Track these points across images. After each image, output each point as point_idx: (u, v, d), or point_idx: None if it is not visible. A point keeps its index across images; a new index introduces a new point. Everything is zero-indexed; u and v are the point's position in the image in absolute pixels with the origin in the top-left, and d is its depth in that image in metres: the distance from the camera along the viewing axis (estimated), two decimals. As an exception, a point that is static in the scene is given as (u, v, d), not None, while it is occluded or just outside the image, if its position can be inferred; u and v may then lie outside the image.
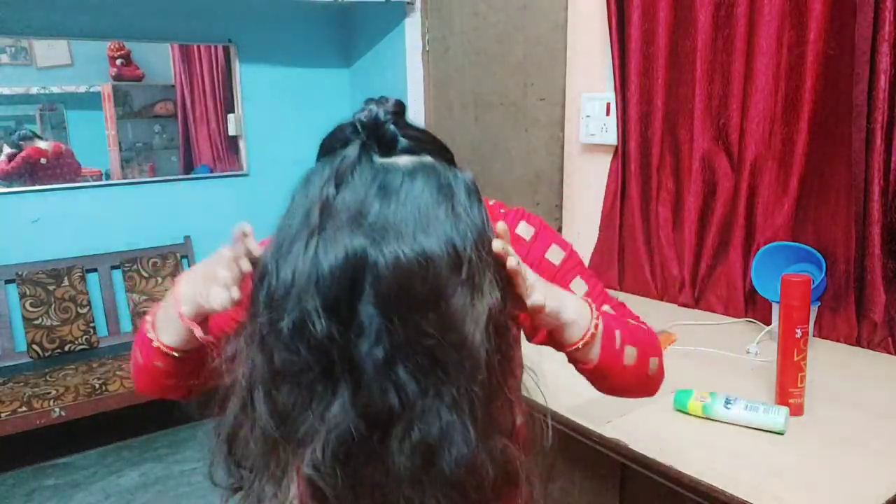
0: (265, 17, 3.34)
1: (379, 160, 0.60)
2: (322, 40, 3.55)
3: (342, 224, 0.55)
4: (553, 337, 0.73)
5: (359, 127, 0.62)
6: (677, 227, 1.96)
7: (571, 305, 0.71)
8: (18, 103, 2.98)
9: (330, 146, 0.63)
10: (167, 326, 0.71)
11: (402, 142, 0.61)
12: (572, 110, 2.29)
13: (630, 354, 0.77)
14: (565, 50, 2.28)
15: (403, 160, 0.60)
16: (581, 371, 0.78)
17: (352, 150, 0.60)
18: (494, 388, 0.60)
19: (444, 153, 0.66)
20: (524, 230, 0.83)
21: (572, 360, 0.76)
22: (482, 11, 2.59)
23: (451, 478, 0.56)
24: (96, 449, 3.02)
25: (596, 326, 0.72)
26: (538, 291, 0.65)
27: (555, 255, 0.84)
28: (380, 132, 0.61)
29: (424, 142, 0.64)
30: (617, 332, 0.76)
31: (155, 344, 0.72)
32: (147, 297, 3.14)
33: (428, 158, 0.62)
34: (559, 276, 0.82)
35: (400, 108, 0.64)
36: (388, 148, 0.61)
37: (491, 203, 0.81)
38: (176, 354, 0.72)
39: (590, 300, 0.75)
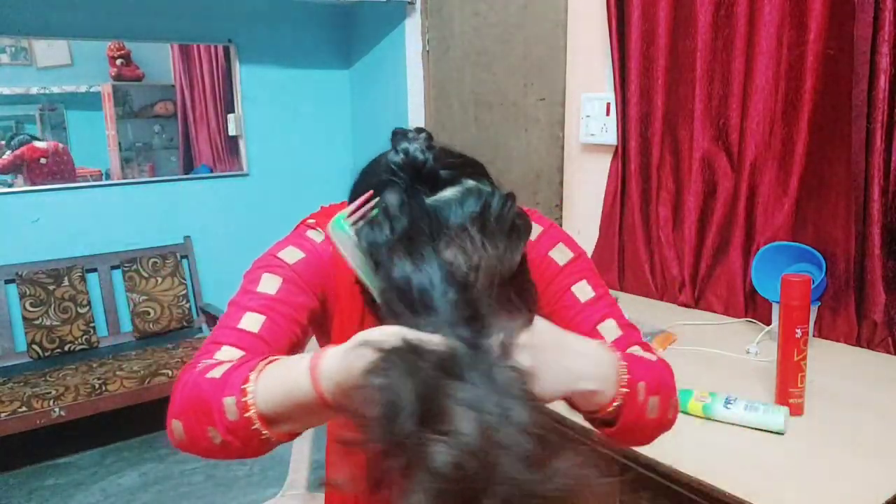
0: (265, 17, 3.34)
1: (427, 200, 0.58)
2: (322, 40, 3.55)
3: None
4: (568, 400, 0.62)
5: (397, 169, 0.60)
6: (677, 227, 1.96)
7: (589, 372, 0.59)
8: (18, 103, 2.98)
9: (366, 187, 0.61)
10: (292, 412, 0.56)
11: (443, 174, 0.60)
12: (572, 110, 2.29)
13: (653, 406, 0.68)
14: (565, 50, 2.28)
15: (448, 192, 0.59)
16: (602, 433, 0.68)
17: (394, 197, 0.58)
18: None
19: (477, 167, 0.65)
20: (534, 229, 0.79)
21: (591, 423, 0.67)
22: (482, 11, 2.59)
23: None
24: (96, 449, 3.02)
25: (625, 392, 0.62)
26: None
27: (560, 254, 0.79)
28: (421, 172, 0.59)
29: (461, 165, 0.62)
30: (640, 385, 0.65)
31: (259, 430, 0.57)
32: (147, 297, 3.14)
33: (470, 183, 0.61)
34: (561, 277, 0.77)
35: (429, 137, 0.62)
36: (433, 185, 0.59)
37: None
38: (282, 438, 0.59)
39: (616, 355, 0.64)
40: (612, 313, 0.78)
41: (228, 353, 0.70)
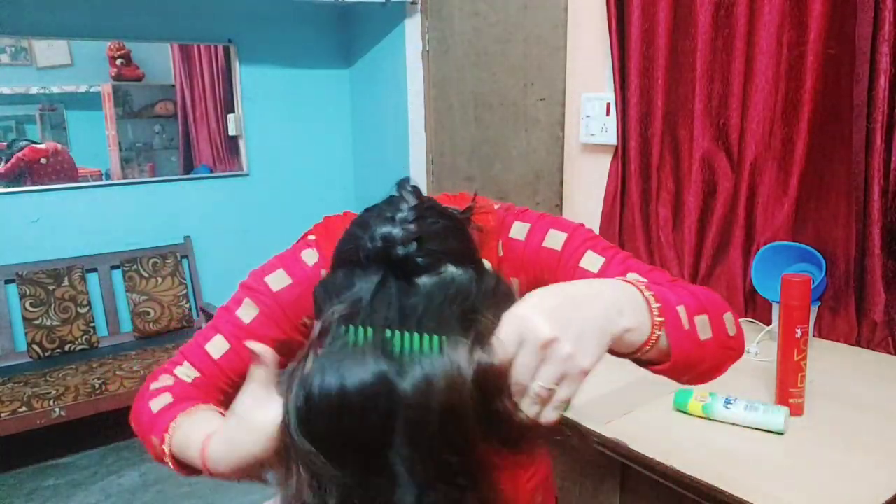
0: (265, 17, 3.34)
1: (396, 289, 0.54)
2: (322, 40, 3.55)
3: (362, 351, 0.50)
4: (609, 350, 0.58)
5: (374, 254, 0.56)
6: (677, 227, 1.96)
7: (613, 311, 0.55)
8: (18, 103, 2.99)
9: (345, 260, 0.59)
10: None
11: (422, 262, 0.55)
12: (572, 110, 2.29)
13: (703, 326, 0.61)
14: (565, 50, 2.28)
15: (423, 281, 0.55)
16: (656, 373, 0.63)
17: (367, 285, 0.55)
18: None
19: (464, 247, 0.60)
20: (518, 230, 0.76)
21: (640, 364, 0.63)
22: (482, 11, 2.59)
23: None
24: (96, 449, 3.02)
25: (661, 321, 0.57)
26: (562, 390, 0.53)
27: (554, 240, 0.74)
28: (398, 260, 0.55)
29: (445, 252, 0.57)
30: (680, 309, 0.59)
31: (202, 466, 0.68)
32: (147, 297, 3.14)
33: (449, 272, 0.56)
34: (564, 261, 0.73)
35: (419, 213, 0.57)
36: (409, 274, 0.55)
37: (488, 203, 0.77)
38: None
39: (636, 280, 0.60)
40: (630, 266, 0.71)
41: (185, 372, 0.77)
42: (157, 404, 0.73)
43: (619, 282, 0.59)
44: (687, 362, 0.61)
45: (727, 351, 0.65)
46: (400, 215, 0.56)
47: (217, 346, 0.77)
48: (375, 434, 0.49)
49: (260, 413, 0.59)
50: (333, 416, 0.48)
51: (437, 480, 0.49)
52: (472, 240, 0.62)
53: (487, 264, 0.61)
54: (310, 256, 0.78)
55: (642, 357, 0.59)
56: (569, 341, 0.51)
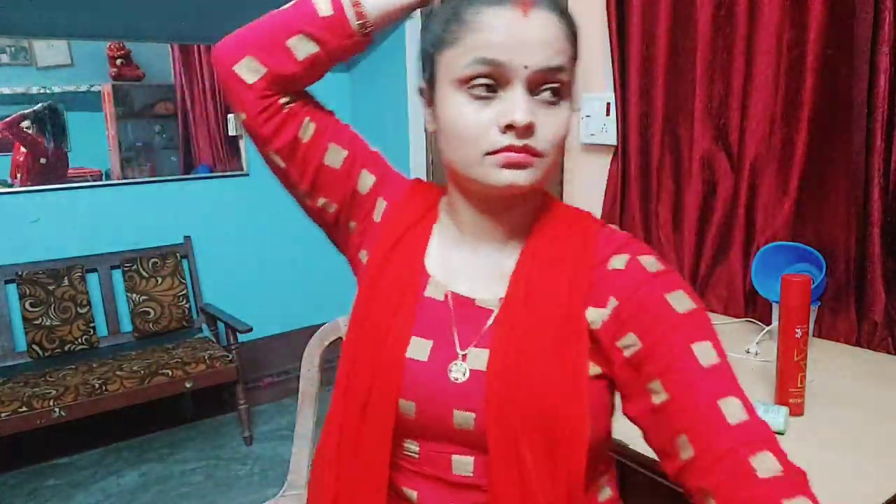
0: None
1: None
2: (322, 40, 3.55)
3: None
4: None
5: None
6: (677, 227, 1.96)
7: None
8: (18, 103, 2.99)
9: None
10: None
11: None
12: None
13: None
14: (565, 50, 2.28)
15: None
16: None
17: None
18: None
19: None
20: (651, 264, 0.68)
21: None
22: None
23: None
24: (96, 449, 3.02)
25: None
26: None
27: (680, 301, 0.65)
28: None
29: None
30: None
31: (350, 2, 0.69)
32: (147, 297, 3.14)
33: None
34: (682, 330, 0.63)
35: None
36: None
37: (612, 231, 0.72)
38: (355, 15, 0.69)
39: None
40: (735, 390, 0.62)
41: None
42: (284, 6, 0.73)
43: None
44: None
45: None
46: None
47: None
48: None
49: None
50: None
51: None
52: None
53: None
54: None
55: None
56: None
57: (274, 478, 2.72)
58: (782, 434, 1.13)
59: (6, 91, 2.95)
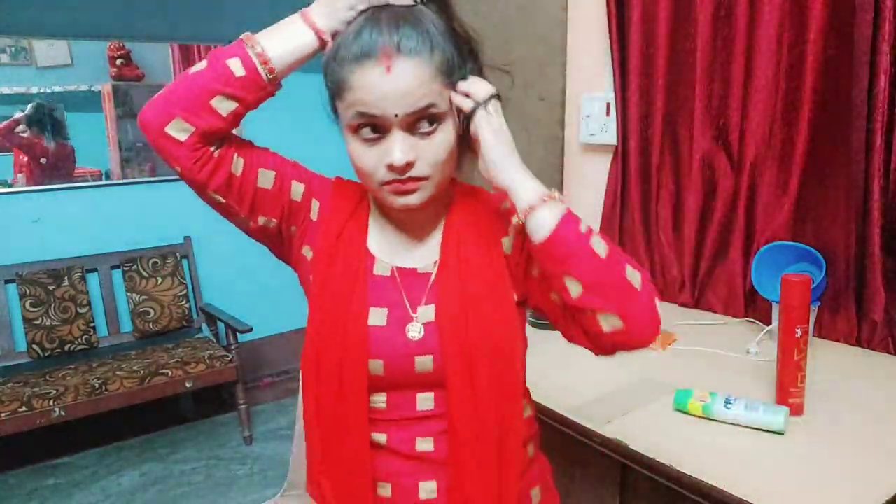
0: (265, 17, 3.33)
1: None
2: (322, 40, 3.55)
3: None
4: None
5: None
6: (677, 227, 1.96)
7: (526, 176, 0.77)
8: (18, 103, 2.99)
9: None
10: (282, 39, 0.80)
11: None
12: (572, 110, 2.29)
13: (599, 244, 0.75)
14: (565, 50, 2.28)
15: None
16: (537, 252, 0.77)
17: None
18: None
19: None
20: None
21: (529, 235, 0.77)
22: (482, 11, 2.59)
23: None
24: (96, 449, 3.02)
25: (550, 196, 0.75)
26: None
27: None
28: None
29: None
30: (585, 224, 0.76)
31: (253, 50, 0.78)
32: (147, 297, 3.14)
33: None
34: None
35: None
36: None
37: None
38: (266, 72, 0.78)
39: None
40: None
41: None
42: (200, 65, 0.80)
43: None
44: (564, 250, 0.74)
45: (615, 280, 0.75)
46: None
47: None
48: None
49: None
50: None
51: None
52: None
53: None
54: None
55: (528, 219, 0.75)
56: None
57: (274, 478, 2.72)
58: (782, 434, 1.13)
59: (6, 91, 2.95)
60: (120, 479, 2.78)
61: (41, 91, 3.02)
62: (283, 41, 0.80)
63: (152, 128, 0.77)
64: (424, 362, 0.81)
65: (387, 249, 0.86)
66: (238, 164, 0.82)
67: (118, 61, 3.18)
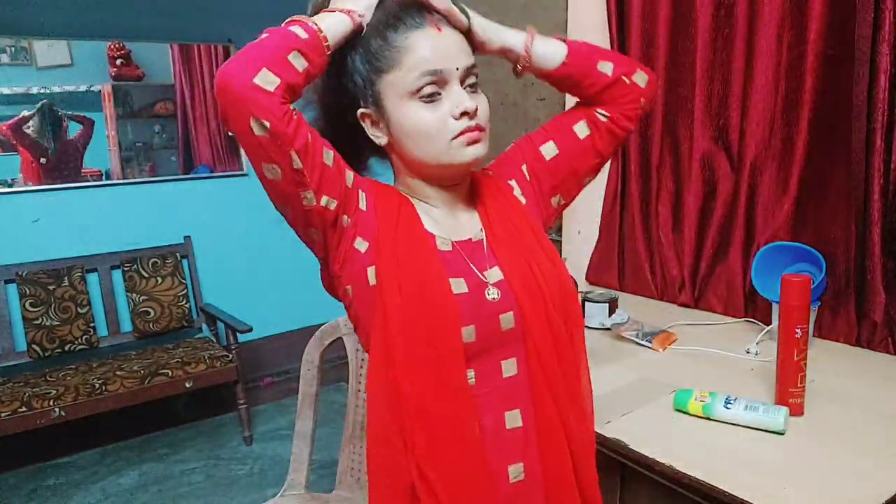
0: (265, 16, 3.33)
1: None
2: (322, 40, 3.55)
3: None
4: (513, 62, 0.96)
5: None
6: (677, 227, 1.96)
7: (512, 30, 0.95)
8: (18, 103, 2.99)
9: None
10: (331, 23, 0.82)
11: None
12: (572, 110, 2.29)
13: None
14: (565, 50, 2.28)
15: None
16: (565, 69, 0.95)
17: None
18: None
19: None
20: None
21: (543, 75, 0.96)
22: (483, 12, 2.59)
23: None
24: (96, 449, 3.02)
25: (531, 31, 0.93)
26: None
27: (511, 167, 1.01)
28: None
29: None
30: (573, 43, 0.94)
31: (309, 20, 0.81)
32: (147, 297, 3.14)
33: None
34: (529, 164, 0.99)
35: None
36: None
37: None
38: (322, 38, 0.80)
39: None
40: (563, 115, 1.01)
41: None
42: (261, 38, 0.82)
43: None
44: (588, 49, 0.95)
45: (619, 53, 0.99)
46: None
47: None
48: None
49: None
50: None
51: None
52: None
53: None
54: None
55: (530, 55, 0.95)
56: None
57: (274, 478, 2.72)
58: (782, 434, 1.13)
59: (6, 91, 2.95)
60: (120, 479, 2.78)
61: (41, 91, 3.02)
62: (332, 23, 0.83)
63: (240, 81, 0.76)
64: (507, 319, 0.86)
65: (441, 229, 0.91)
66: (310, 133, 0.82)
67: (118, 61, 3.18)
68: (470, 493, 0.83)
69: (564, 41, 0.93)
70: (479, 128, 0.85)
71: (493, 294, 0.86)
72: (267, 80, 0.76)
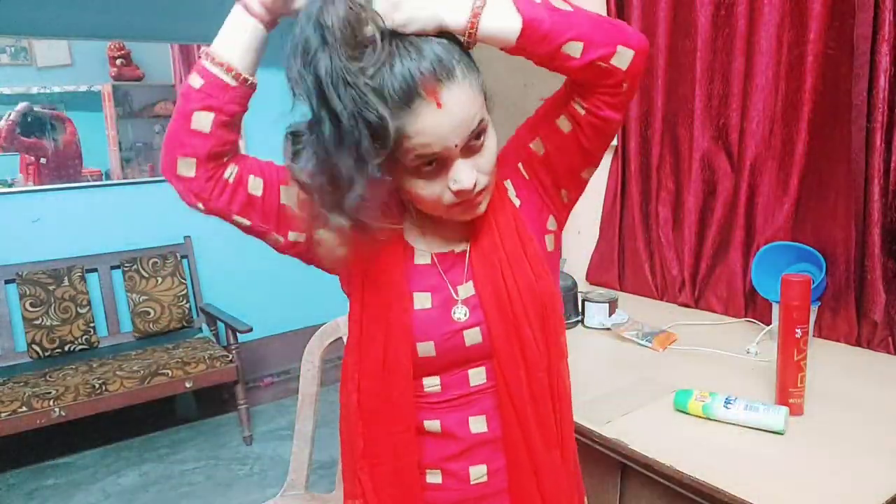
0: (265, 17, 3.34)
1: None
2: (322, 40, 3.55)
3: None
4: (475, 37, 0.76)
5: None
6: (677, 227, 1.96)
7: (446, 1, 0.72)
8: (18, 103, 2.99)
9: None
10: (228, 36, 0.77)
11: None
12: (572, 110, 2.29)
13: (558, 2, 0.75)
14: (565, 50, 2.28)
15: None
16: (520, 50, 0.78)
17: None
18: None
19: None
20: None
21: (504, 47, 0.78)
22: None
23: None
24: (96, 449, 3.02)
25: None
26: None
27: (512, 170, 0.93)
28: None
29: None
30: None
31: (204, 58, 0.75)
32: (147, 297, 3.14)
33: None
34: (524, 157, 0.93)
35: None
36: None
37: None
38: (223, 71, 0.76)
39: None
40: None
41: None
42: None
43: None
44: (549, 26, 0.73)
45: (599, 18, 0.75)
46: None
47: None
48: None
49: None
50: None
51: None
52: None
53: None
54: None
55: (480, 29, 0.73)
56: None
57: (274, 478, 2.72)
58: (782, 434, 1.13)
59: (6, 91, 2.95)
60: (120, 479, 2.78)
61: (41, 91, 3.02)
62: (229, 34, 0.77)
63: (170, 176, 0.78)
64: (473, 335, 0.84)
65: (425, 240, 0.88)
66: (256, 184, 0.82)
67: (118, 61, 3.18)
68: (395, 493, 0.86)
69: (523, 11, 0.74)
70: (479, 195, 0.79)
71: (460, 311, 0.84)
72: (185, 166, 0.77)
